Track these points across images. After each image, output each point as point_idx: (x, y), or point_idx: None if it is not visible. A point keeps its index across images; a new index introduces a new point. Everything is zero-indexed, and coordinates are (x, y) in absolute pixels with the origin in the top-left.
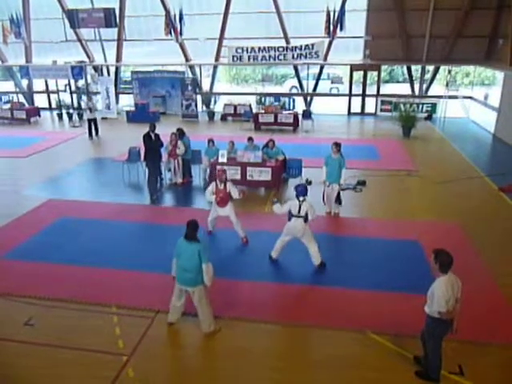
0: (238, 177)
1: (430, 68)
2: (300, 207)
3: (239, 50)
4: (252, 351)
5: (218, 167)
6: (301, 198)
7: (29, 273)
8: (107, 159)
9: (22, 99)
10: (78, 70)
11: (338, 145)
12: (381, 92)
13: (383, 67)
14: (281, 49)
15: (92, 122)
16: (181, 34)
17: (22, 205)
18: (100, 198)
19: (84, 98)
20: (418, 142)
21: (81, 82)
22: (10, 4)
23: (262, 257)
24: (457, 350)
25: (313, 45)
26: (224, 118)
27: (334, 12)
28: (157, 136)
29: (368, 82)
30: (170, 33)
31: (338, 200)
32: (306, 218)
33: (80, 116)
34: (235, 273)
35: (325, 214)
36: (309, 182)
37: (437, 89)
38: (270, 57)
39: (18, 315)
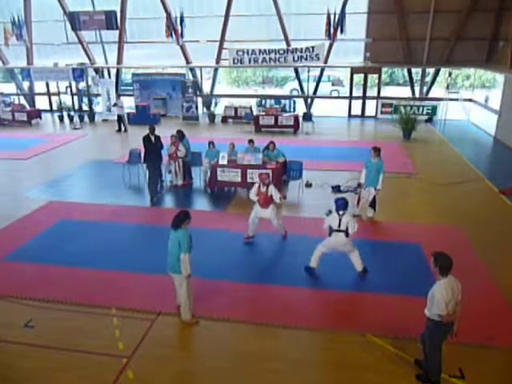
0: (239, 179)
1: (431, 70)
2: (340, 221)
3: (240, 53)
4: (252, 353)
5: (262, 171)
6: (340, 212)
7: (29, 275)
8: (108, 161)
9: (23, 101)
10: (79, 72)
11: (376, 149)
12: (381, 94)
13: (384, 70)
14: (281, 51)
15: (119, 117)
16: (182, 36)
17: (23, 207)
18: (101, 200)
19: (85, 99)
20: (419, 144)
21: (82, 84)
22: (12, 6)
23: (261, 258)
24: (457, 353)
25: (313, 47)
26: (224, 120)
27: (335, 14)
28: (157, 138)
29: (368, 84)
30: (171, 35)
31: (373, 204)
32: (347, 232)
33: (81, 118)
34: (229, 274)
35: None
36: (309, 185)
37: (437, 91)
38: (270, 59)
39: (18, 317)
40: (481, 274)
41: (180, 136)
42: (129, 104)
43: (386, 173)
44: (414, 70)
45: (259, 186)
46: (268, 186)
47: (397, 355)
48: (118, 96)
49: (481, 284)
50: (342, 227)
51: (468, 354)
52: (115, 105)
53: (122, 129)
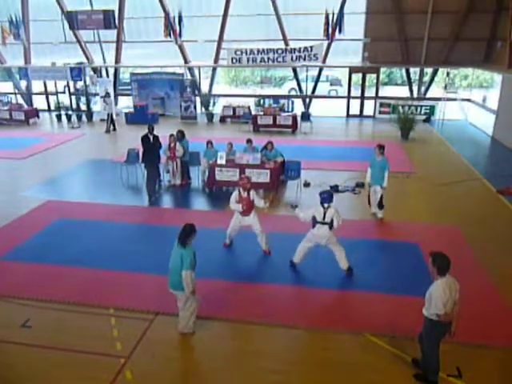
0: (237, 178)
1: (429, 70)
2: (325, 214)
3: (238, 52)
4: (250, 353)
5: (243, 175)
6: (325, 205)
7: (27, 274)
8: (106, 161)
9: (20, 100)
10: (76, 72)
11: (381, 147)
12: (379, 94)
13: (382, 69)
14: (280, 51)
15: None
16: (180, 35)
17: (20, 206)
18: (98, 200)
19: (83, 99)
20: (417, 144)
21: (80, 84)
22: (9, 5)
23: (259, 258)
24: (455, 353)
25: (312, 47)
26: (223, 119)
27: (333, 14)
28: (155, 137)
29: (367, 84)
30: (169, 35)
31: (380, 204)
32: (331, 225)
33: (79, 117)
34: (228, 274)
35: (371, 215)
36: (307, 184)
37: (435, 91)
38: (268, 59)
39: (16, 317)
40: (478, 274)
41: (180, 136)
42: (127, 103)
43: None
44: (412, 70)
45: (239, 192)
46: (249, 191)
47: (394, 354)
48: (106, 94)
49: (478, 283)
50: (327, 220)
51: (465, 354)
52: (105, 96)
53: (111, 128)
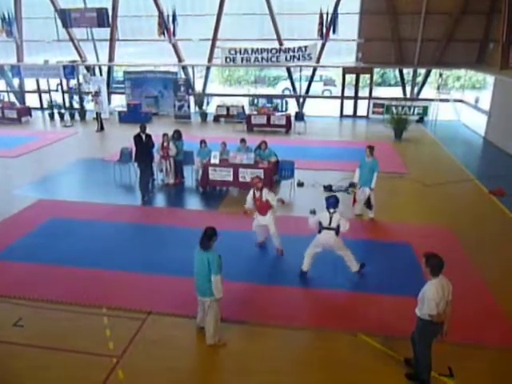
0: (231, 178)
1: (422, 71)
2: (331, 219)
3: (232, 52)
4: (244, 353)
5: (254, 175)
6: (331, 210)
7: (18, 273)
8: (98, 159)
9: (13, 98)
10: (69, 70)
11: (371, 148)
12: (373, 95)
13: (375, 70)
14: (274, 50)
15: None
16: (174, 34)
17: (11, 205)
18: (91, 199)
19: (76, 97)
20: (410, 144)
21: (73, 82)
22: (2, 3)
23: (253, 257)
24: (447, 352)
25: (306, 47)
26: (216, 119)
27: (327, 15)
28: (148, 137)
29: (360, 84)
30: (163, 33)
31: (369, 205)
32: (337, 231)
33: (72, 116)
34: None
35: (354, 216)
36: (300, 184)
37: (428, 92)
38: (262, 58)
39: (7, 316)
40: (470, 274)
41: (177, 136)
42: (120, 102)
43: (378, 172)
44: (405, 71)
45: (254, 192)
46: (261, 191)
47: (387, 354)
48: (96, 93)
49: (470, 284)
50: (333, 225)
51: (457, 353)
52: (94, 94)
53: (103, 127)
